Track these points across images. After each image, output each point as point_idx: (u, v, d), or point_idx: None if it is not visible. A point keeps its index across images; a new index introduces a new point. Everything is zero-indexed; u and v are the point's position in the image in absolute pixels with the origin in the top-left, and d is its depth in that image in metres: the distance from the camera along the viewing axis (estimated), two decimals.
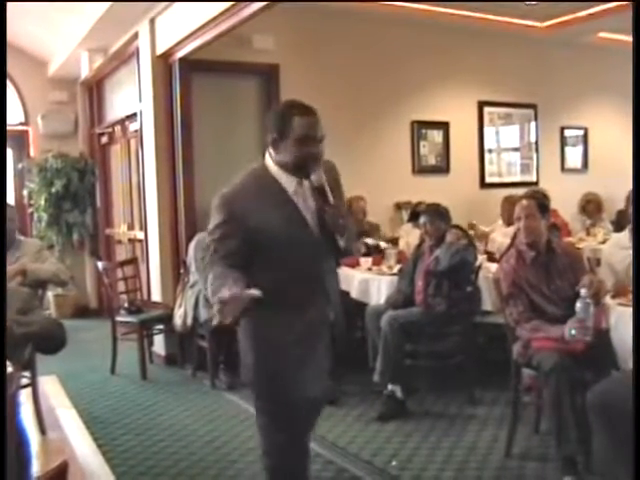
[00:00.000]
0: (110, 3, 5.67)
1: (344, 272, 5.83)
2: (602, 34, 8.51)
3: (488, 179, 8.22)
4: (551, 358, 3.49)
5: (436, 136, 7.75)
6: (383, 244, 6.18)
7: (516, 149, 8.61)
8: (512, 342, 3.86)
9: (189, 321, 5.53)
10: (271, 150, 2.64)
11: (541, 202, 4.10)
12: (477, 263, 5.07)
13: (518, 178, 8.48)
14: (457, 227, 5.17)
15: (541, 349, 3.61)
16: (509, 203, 6.57)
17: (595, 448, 3.17)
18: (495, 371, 4.58)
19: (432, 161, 7.75)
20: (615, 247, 4.60)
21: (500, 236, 6.36)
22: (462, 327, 4.84)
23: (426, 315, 4.79)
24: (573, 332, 3.42)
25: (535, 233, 3.89)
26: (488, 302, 4.97)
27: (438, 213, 5.03)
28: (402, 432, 4.34)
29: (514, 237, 4.48)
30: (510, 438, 3.91)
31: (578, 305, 3.43)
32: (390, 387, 4.65)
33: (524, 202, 4.03)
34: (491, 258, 5.83)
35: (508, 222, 6.50)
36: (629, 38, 8.81)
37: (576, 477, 3.44)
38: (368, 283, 5.48)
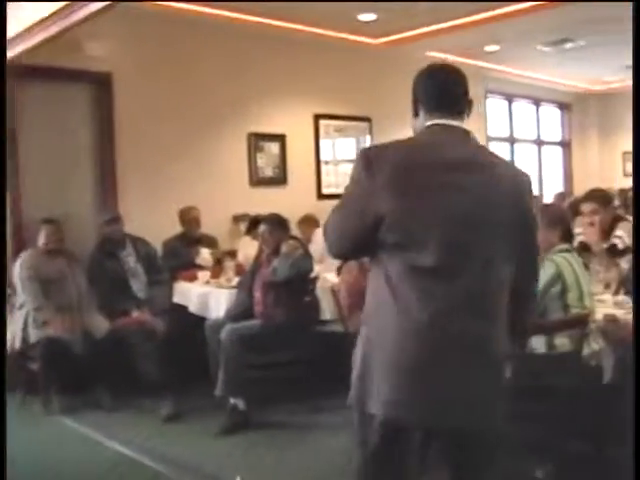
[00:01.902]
0: None
1: (181, 286, 5.76)
2: (432, 53, 8.95)
3: (325, 190, 8.35)
4: None
5: (273, 148, 7.80)
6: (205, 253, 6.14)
7: (352, 161, 8.77)
8: (351, 350, 3.91)
9: (17, 344, 5.20)
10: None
11: None
12: (314, 273, 5.15)
13: None
14: (294, 238, 5.22)
15: None
16: (307, 223, 6.97)
17: None
18: (337, 379, 4.64)
19: (269, 173, 7.78)
20: None
21: None
22: (303, 337, 4.88)
23: (266, 326, 4.79)
24: None
25: None
26: (327, 311, 5.05)
27: (278, 222, 5.06)
28: (246, 444, 4.32)
29: None
30: (354, 445, 3.96)
31: None
32: (233, 400, 4.61)
33: None
34: None
35: (303, 233, 6.77)
36: (456, 58, 9.36)
37: None
38: (207, 297, 5.42)
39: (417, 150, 2.11)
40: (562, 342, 3.26)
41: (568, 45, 8.87)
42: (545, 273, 3.23)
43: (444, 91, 2.20)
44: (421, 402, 2.02)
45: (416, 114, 2.23)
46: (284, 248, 4.91)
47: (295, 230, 5.50)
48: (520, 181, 2.21)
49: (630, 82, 12.16)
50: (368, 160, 2.05)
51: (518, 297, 2.13)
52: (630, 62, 10.48)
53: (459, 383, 2.01)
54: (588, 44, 8.74)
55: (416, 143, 2.18)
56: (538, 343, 3.15)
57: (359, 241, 2.09)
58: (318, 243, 6.27)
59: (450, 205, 2.01)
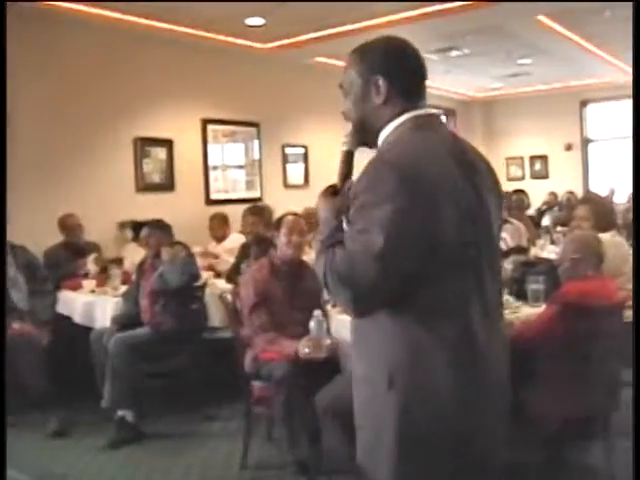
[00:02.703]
0: None
1: (65, 296, 5.55)
2: (320, 58, 9.04)
3: (214, 196, 8.27)
4: (281, 368, 3.57)
5: (160, 153, 7.65)
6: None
7: (241, 166, 8.78)
8: (243, 356, 3.89)
9: None
10: None
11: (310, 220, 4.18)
12: (203, 280, 5.08)
13: (243, 194, 8.64)
14: (179, 243, 5.12)
15: (271, 360, 3.68)
16: (218, 219, 6.97)
17: (325, 446, 3.31)
18: (228, 386, 4.60)
19: (156, 179, 7.63)
20: None
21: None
22: (192, 344, 4.81)
23: (154, 334, 4.69)
24: (307, 350, 3.53)
25: (298, 250, 3.97)
26: (216, 318, 4.99)
27: (160, 226, 4.97)
28: (135, 457, 4.21)
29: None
30: (245, 450, 3.94)
31: (312, 324, 3.55)
32: (121, 412, 4.48)
33: (292, 218, 4.08)
34: (219, 274, 5.86)
35: (216, 238, 6.84)
36: (343, 63, 9.47)
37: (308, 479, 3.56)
38: (92, 306, 5.26)
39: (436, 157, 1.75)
40: None
41: (454, 53, 9.14)
42: None
43: (422, 71, 1.88)
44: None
45: (381, 98, 1.82)
46: (165, 253, 4.81)
47: (181, 235, 5.38)
48: (492, 168, 1.92)
49: (512, 90, 12.72)
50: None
51: None
52: (511, 71, 10.90)
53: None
54: (472, 52, 9.05)
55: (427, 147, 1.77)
56: None
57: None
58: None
59: (474, 209, 1.75)
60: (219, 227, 6.94)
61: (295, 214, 4.31)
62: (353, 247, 1.65)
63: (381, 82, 1.81)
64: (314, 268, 1.81)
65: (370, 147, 1.90)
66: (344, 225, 1.77)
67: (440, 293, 1.68)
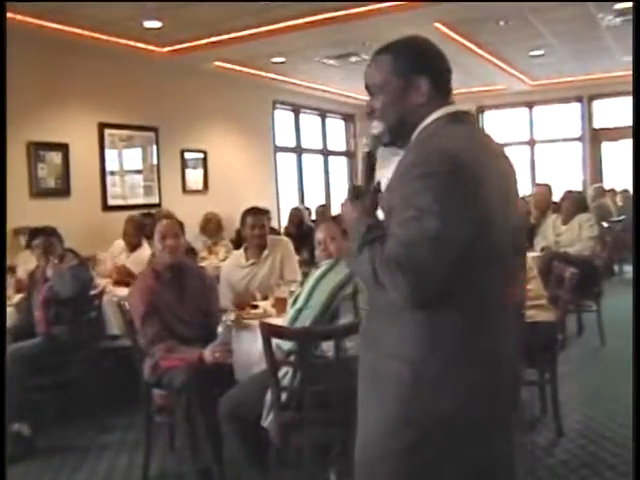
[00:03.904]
0: None
1: None
2: (218, 63, 9.00)
3: (111, 201, 8.12)
4: (181, 375, 3.54)
5: (55, 158, 7.45)
6: None
7: (139, 171, 8.64)
8: (142, 364, 3.83)
9: None
10: None
11: (180, 222, 4.13)
12: (100, 287, 4.98)
13: (142, 200, 8.51)
14: (70, 250, 4.99)
15: (171, 367, 3.64)
16: (133, 224, 6.45)
17: (228, 453, 3.30)
18: (127, 395, 4.52)
19: (52, 184, 7.43)
20: (233, 266, 4.85)
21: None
22: (88, 354, 4.71)
23: (49, 345, 4.57)
24: (217, 354, 3.51)
25: (175, 252, 3.91)
26: (115, 326, 4.90)
27: (48, 233, 4.83)
28: (32, 473, 4.07)
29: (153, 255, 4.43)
30: (146, 461, 3.88)
31: (220, 329, 3.55)
32: (16, 426, 4.32)
33: (165, 222, 4.01)
34: (117, 282, 5.73)
35: (130, 245, 6.32)
36: (242, 68, 9.49)
37: None
38: None
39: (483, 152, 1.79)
40: (351, 345, 3.36)
41: (353, 59, 9.28)
42: (338, 274, 3.32)
43: (450, 68, 1.91)
44: None
45: (425, 97, 1.85)
46: (50, 265, 4.66)
47: (77, 242, 5.25)
48: (512, 163, 1.94)
49: None
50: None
51: None
52: None
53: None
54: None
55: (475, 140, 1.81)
56: (329, 346, 3.21)
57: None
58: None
59: (508, 199, 1.81)
60: (134, 234, 6.33)
61: (168, 216, 4.27)
62: (408, 234, 1.63)
63: (423, 81, 1.84)
64: (199, 272, 1.78)
65: (400, 147, 1.92)
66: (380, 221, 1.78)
67: (474, 286, 1.70)
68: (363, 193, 1.87)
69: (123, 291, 5.13)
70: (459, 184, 1.63)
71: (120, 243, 6.49)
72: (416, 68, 1.85)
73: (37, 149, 7.24)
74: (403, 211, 1.66)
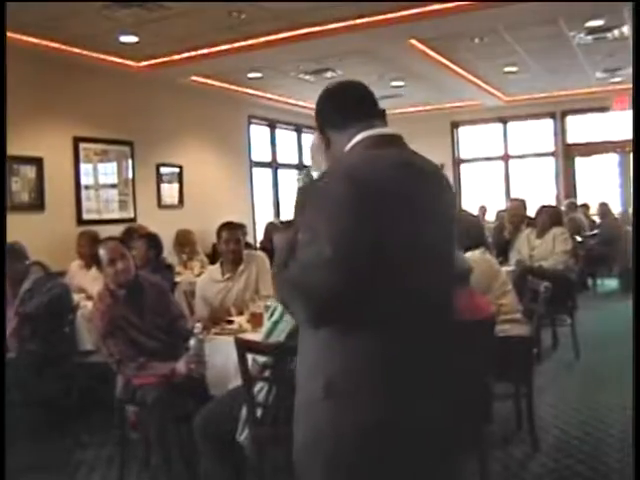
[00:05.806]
0: None
1: None
2: (194, 78, 9.00)
3: (86, 216, 8.05)
4: (153, 391, 3.52)
5: (29, 172, 7.38)
6: None
7: (114, 185, 8.58)
8: (114, 380, 3.80)
9: None
10: None
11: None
12: (74, 302, 4.93)
13: (116, 215, 8.46)
14: (38, 264, 4.92)
15: (143, 384, 3.62)
16: (87, 238, 6.29)
17: (203, 469, 3.27)
18: (101, 411, 4.47)
19: (25, 198, 7.36)
20: (209, 280, 4.83)
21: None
22: (62, 369, 4.64)
23: (22, 361, 4.49)
24: (192, 366, 3.50)
25: (128, 274, 3.87)
26: (89, 341, 4.85)
27: (13, 250, 4.74)
28: None
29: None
30: (121, 478, 3.84)
31: (192, 342, 3.52)
32: None
33: (111, 244, 3.95)
34: (90, 297, 5.64)
35: (84, 258, 6.17)
36: (218, 83, 9.50)
37: None
38: None
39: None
40: None
41: (329, 74, 9.33)
42: None
43: (369, 98, 1.96)
44: None
45: (336, 129, 1.91)
46: (20, 277, 4.61)
47: (51, 257, 5.20)
48: (442, 174, 1.98)
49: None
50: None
51: None
52: (384, 93, 11.16)
53: None
54: (346, 74, 9.27)
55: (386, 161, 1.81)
56: None
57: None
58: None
59: (423, 213, 1.80)
60: (89, 247, 5.92)
61: (111, 239, 4.16)
62: (304, 257, 1.67)
63: (332, 132, 1.92)
64: (152, 282, 1.83)
65: None
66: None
67: (380, 302, 1.70)
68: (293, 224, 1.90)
69: None
70: (353, 205, 1.64)
71: (75, 264, 6.36)
72: (326, 122, 1.94)
73: (11, 163, 7.16)
74: (302, 234, 1.71)
